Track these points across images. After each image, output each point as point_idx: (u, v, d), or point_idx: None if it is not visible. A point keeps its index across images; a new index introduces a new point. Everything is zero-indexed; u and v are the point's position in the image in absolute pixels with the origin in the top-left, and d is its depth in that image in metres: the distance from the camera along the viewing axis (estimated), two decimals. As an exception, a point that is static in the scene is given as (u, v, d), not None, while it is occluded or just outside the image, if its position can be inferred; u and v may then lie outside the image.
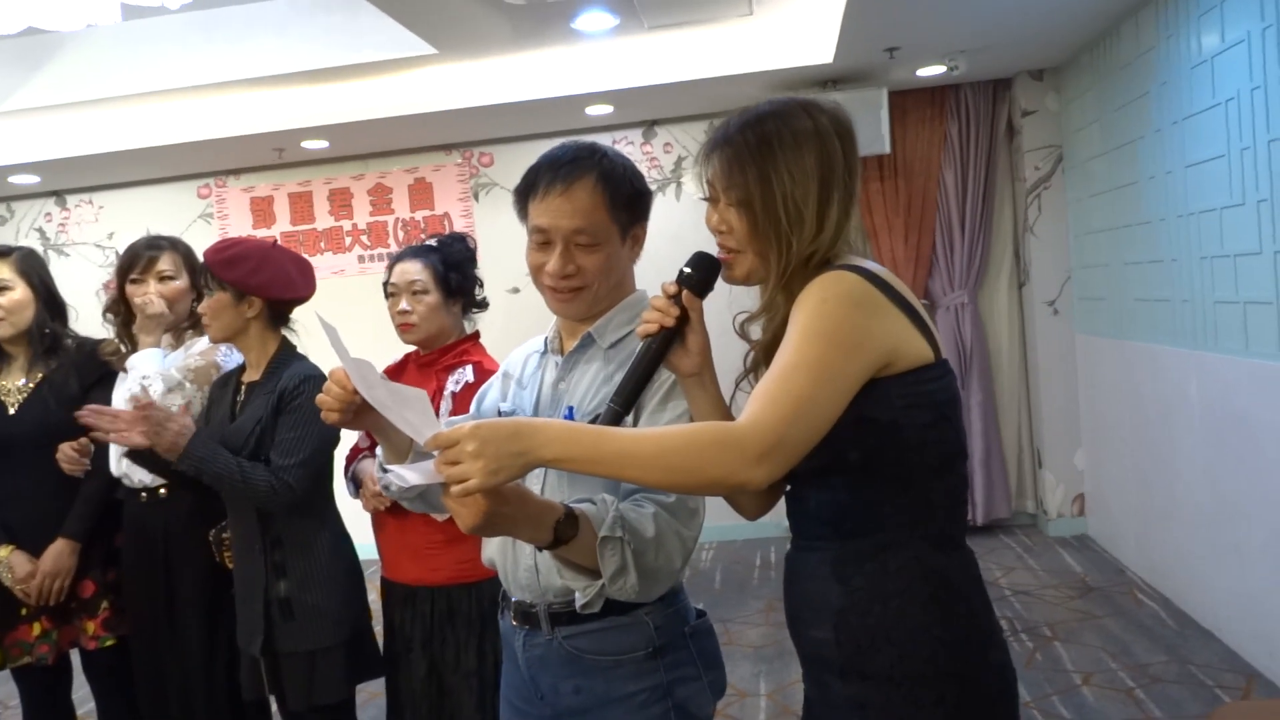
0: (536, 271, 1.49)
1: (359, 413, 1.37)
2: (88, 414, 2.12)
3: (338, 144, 5.30)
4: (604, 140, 5.69)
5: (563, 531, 1.25)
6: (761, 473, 1.11)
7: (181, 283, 2.51)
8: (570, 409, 1.47)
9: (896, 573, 1.23)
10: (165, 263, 2.50)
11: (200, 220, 5.79)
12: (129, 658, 2.51)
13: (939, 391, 1.23)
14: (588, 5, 3.92)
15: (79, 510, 2.48)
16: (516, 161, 5.35)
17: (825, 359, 1.15)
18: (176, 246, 2.57)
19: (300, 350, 2.37)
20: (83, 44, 4.54)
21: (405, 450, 1.47)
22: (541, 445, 1.10)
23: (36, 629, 2.48)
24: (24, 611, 2.47)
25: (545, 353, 1.60)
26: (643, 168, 5.39)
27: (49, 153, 4.99)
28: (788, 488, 1.35)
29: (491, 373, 1.94)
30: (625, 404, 1.28)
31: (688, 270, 1.31)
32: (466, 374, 2.26)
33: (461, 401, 2.18)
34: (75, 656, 2.61)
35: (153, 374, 2.37)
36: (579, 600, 1.33)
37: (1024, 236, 5.14)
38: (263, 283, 2.22)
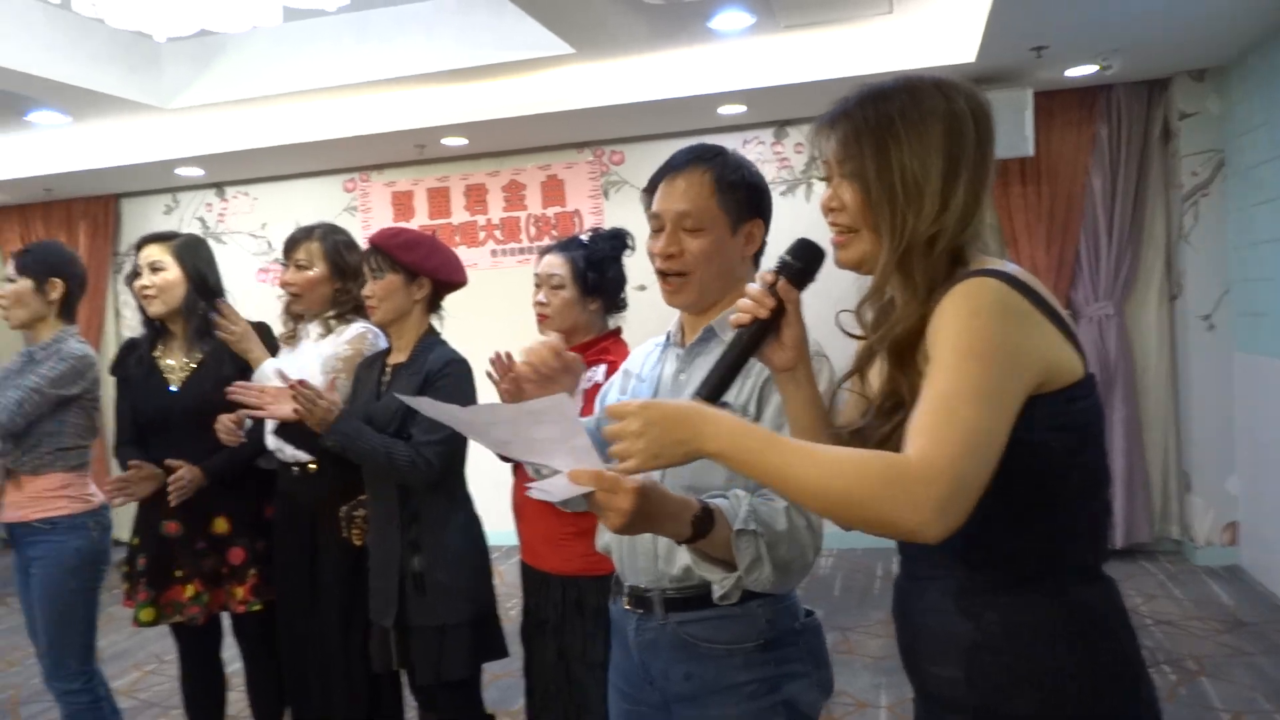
0: (651, 258, 1.55)
1: None
2: (237, 389, 2.26)
3: (476, 141, 5.45)
4: (734, 140, 5.69)
5: (700, 526, 1.27)
6: (940, 527, 0.99)
7: (315, 272, 2.63)
8: (694, 399, 1.47)
9: (1035, 607, 1.13)
10: (300, 252, 2.63)
11: (345, 213, 6.06)
12: (274, 623, 2.65)
13: (1086, 411, 1.13)
14: (725, 4, 3.91)
15: (223, 456, 2.62)
16: (647, 160, 5.40)
17: (988, 381, 1.03)
18: (315, 236, 2.66)
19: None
20: (245, 45, 4.81)
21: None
22: (709, 437, 1.08)
23: (189, 591, 2.64)
24: (178, 574, 2.64)
25: (666, 346, 1.64)
26: (773, 168, 5.42)
27: (212, 147, 5.32)
28: None
29: (623, 372, 1.97)
30: (711, 395, 1.21)
31: (788, 258, 1.25)
32: (598, 374, 2.28)
33: (586, 400, 2.21)
34: (226, 619, 2.77)
35: (312, 360, 2.49)
36: (716, 591, 1.35)
37: (1177, 246, 4.86)
38: (436, 265, 2.35)
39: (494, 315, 5.66)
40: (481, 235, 5.96)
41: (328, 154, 5.56)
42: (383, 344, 2.52)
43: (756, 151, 5.43)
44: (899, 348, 1.16)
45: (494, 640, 2.39)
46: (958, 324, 1.07)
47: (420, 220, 5.99)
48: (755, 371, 1.44)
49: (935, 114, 1.16)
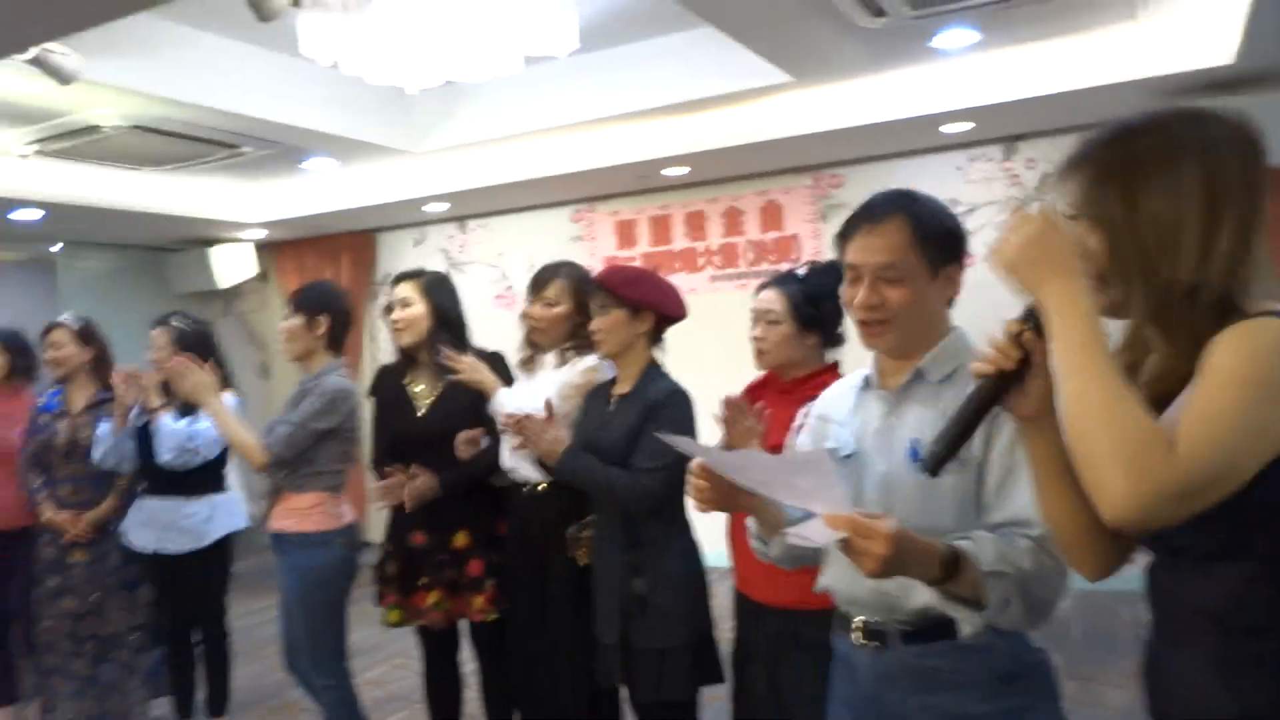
0: (848, 306, 1.56)
1: (729, 495, 1.50)
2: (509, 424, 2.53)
3: (697, 170, 5.60)
4: (960, 158, 5.44)
5: (949, 569, 1.32)
6: (1135, 513, 0.98)
7: (562, 309, 2.80)
8: (914, 441, 1.48)
9: None
10: (550, 290, 2.81)
11: (572, 242, 6.38)
12: (506, 632, 2.85)
13: None
14: (949, 23, 3.81)
15: (457, 470, 2.85)
16: (866, 183, 5.31)
17: (1249, 409, 0.99)
18: (563, 273, 2.83)
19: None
20: (486, 91, 5.18)
21: (777, 523, 1.58)
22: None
23: (431, 598, 2.88)
24: (423, 581, 2.89)
25: (864, 389, 1.64)
26: (1002, 185, 5.20)
27: (455, 185, 5.78)
28: (1151, 563, 1.19)
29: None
30: (949, 448, 1.19)
31: (1035, 309, 1.14)
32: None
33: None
34: (466, 625, 3.00)
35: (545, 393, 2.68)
36: (965, 630, 1.41)
37: None
38: (657, 300, 2.47)
39: (713, 339, 5.77)
40: (700, 261, 6.08)
41: (558, 187, 5.89)
42: (610, 374, 2.66)
43: (984, 170, 5.22)
44: (1156, 403, 1.08)
45: (711, 664, 2.45)
46: (1234, 356, 1.01)
47: (642, 248, 6.20)
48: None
49: (1189, 151, 1.08)
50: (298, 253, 7.32)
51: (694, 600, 2.42)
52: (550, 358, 2.83)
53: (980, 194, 5.22)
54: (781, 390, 2.38)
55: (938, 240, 1.53)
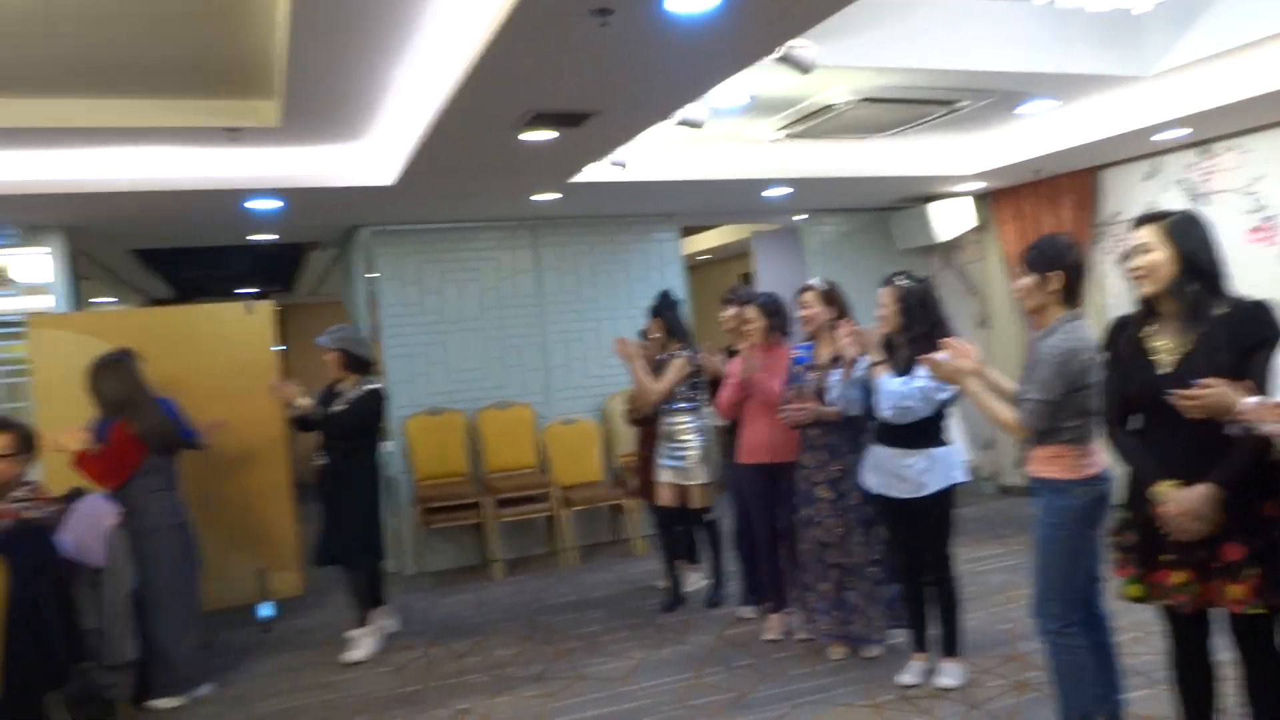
0: None
1: None
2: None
3: None
4: None
5: None
6: None
7: None
8: None
9: None
10: None
11: (1360, 154, 5.12)
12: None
13: None
14: None
15: (1228, 459, 2.49)
16: None
17: None
18: None
19: None
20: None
21: None
22: None
23: (1177, 578, 2.61)
24: (1166, 559, 2.63)
25: None
26: None
27: (1195, 106, 5.06)
28: None
29: None
30: None
31: None
32: None
33: None
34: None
35: None
36: None
37: None
38: None
39: None
40: None
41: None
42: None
43: None
44: None
45: None
46: None
47: None
48: None
49: None
50: (1016, 200, 7.19)
51: None
52: None
53: None
54: None
55: None
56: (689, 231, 10.27)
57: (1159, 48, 4.79)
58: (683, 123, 4.38)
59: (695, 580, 5.40)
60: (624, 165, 5.18)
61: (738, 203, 7.04)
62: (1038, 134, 5.99)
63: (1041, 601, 2.97)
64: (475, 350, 6.72)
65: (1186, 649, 2.77)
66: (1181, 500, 2.53)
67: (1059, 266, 2.93)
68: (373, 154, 4.99)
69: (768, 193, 6.56)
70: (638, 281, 7.01)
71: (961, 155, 6.48)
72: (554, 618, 5.19)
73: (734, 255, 10.22)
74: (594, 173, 5.42)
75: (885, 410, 3.63)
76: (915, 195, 7.30)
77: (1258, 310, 2.52)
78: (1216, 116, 5.23)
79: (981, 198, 7.40)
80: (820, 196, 7.06)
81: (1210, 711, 2.77)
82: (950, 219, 7.37)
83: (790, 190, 6.53)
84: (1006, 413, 3.00)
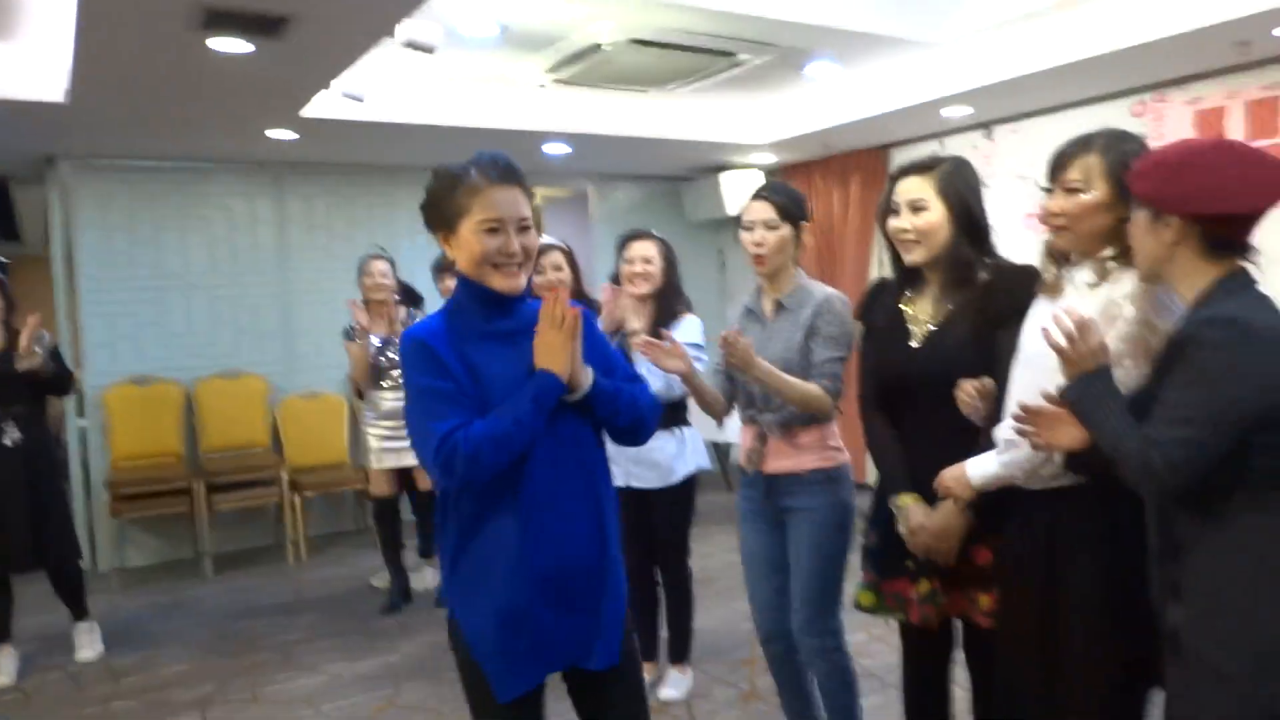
0: None
1: None
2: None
3: (1331, 23, 3.98)
4: None
5: None
6: None
7: (1091, 196, 1.87)
8: None
9: None
10: (1073, 171, 1.91)
11: (1132, 142, 5.05)
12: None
13: None
14: None
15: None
16: None
17: None
18: (1095, 148, 1.89)
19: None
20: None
21: None
22: None
23: (922, 587, 2.21)
24: (910, 565, 2.23)
25: None
26: None
27: (979, 80, 4.84)
28: None
29: None
30: None
31: None
32: None
33: None
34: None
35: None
36: None
37: None
38: (1177, 194, 1.59)
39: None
40: (1327, 155, 4.41)
41: (1112, 71, 4.63)
42: (1173, 303, 1.73)
43: None
44: None
45: None
46: None
47: (1234, 142, 4.69)
48: None
49: None
50: (807, 175, 6.95)
51: (1265, 659, 1.49)
52: (1083, 274, 1.93)
53: None
54: None
55: None
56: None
57: (946, 11, 4.51)
58: (411, 45, 3.71)
59: (431, 576, 4.75)
60: (361, 99, 4.44)
61: (513, 159, 6.40)
62: (826, 103, 5.68)
63: (817, 617, 2.53)
64: (200, 311, 5.79)
65: (924, 668, 2.38)
66: (926, 520, 2.15)
67: (806, 218, 2.54)
68: (30, 57, 4.03)
69: (547, 148, 5.95)
70: (404, 240, 6.26)
71: (751, 122, 6.12)
72: (254, 623, 4.41)
73: (528, 224, 9.63)
74: (333, 108, 4.66)
75: (656, 385, 3.05)
76: (707, 165, 6.91)
77: (1021, 276, 2.13)
78: (998, 93, 5.02)
79: (774, 172, 7.11)
80: (606, 159, 6.53)
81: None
82: (741, 191, 7.03)
83: (570, 150, 5.96)
84: (810, 386, 2.46)
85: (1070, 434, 1.67)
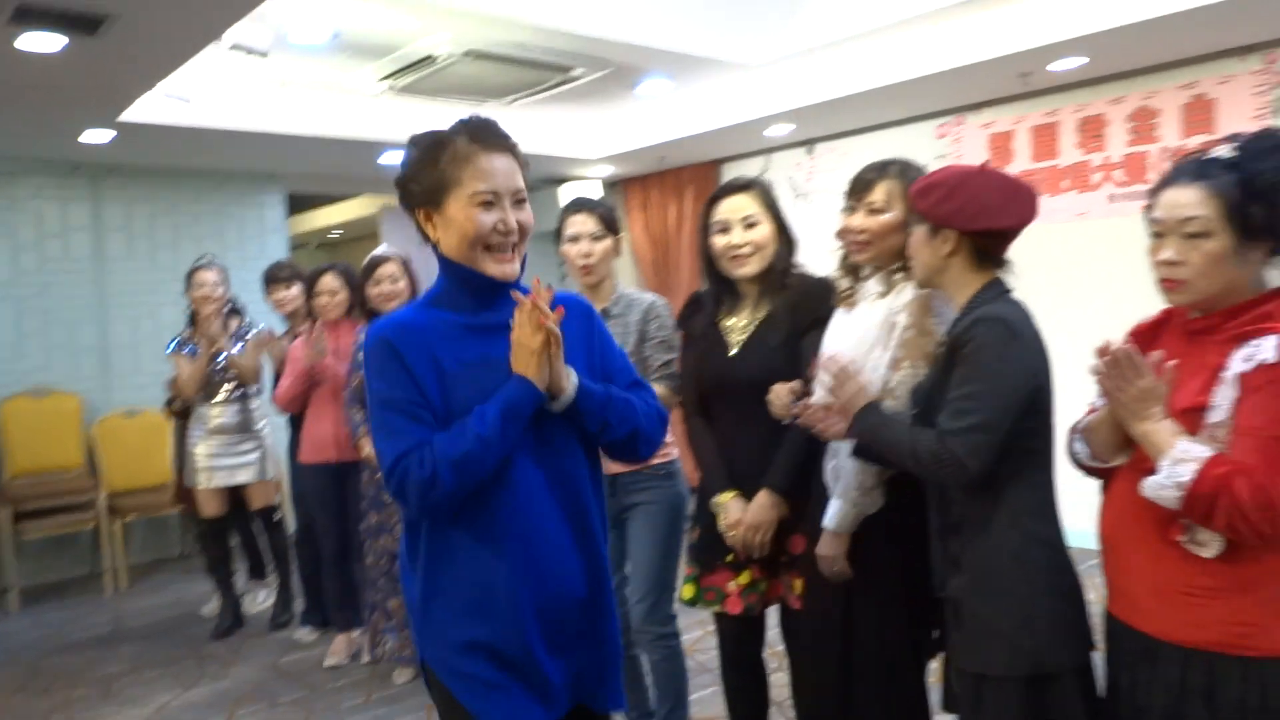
0: None
1: None
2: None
3: (1098, 60, 4.47)
4: None
5: None
6: None
7: (890, 216, 2.11)
8: None
9: None
10: (876, 193, 2.13)
11: (935, 162, 5.38)
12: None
13: None
14: None
15: (783, 455, 2.30)
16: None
17: None
18: (891, 173, 2.14)
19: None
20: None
21: None
22: None
23: (743, 578, 2.38)
24: (729, 559, 2.39)
25: None
26: None
27: (798, 100, 5.15)
28: None
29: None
30: None
31: None
32: (1265, 349, 1.47)
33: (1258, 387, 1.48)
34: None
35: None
36: None
37: None
38: (951, 212, 1.80)
39: (1110, 272, 4.68)
40: (1096, 177, 4.93)
41: (918, 95, 5.04)
42: (947, 310, 1.96)
43: None
44: None
45: (1065, 711, 1.71)
46: None
47: (1021, 165, 5.17)
48: None
49: None
50: (644, 188, 7.15)
51: (1029, 618, 1.72)
52: (874, 285, 2.15)
53: None
54: (1193, 332, 1.61)
55: None
56: (319, 203, 9.36)
57: (769, 35, 4.78)
58: (239, 48, 3.64)
59: (263, 598, 4.62)
60: (187, 100, 4.31)
61: (351, 169, 6.31)
62: (660, 119, 5.88)
63: (654, 605, 2.65)
64: (3, 324, 5.40)
65: (740, 652, 2.57)
66: (742, 514, 2.32)
67: (620, 230, 2.74)
68: None
69: (383, 159, 5.90)
70: (232, 251, 6.05)
71: (588, 135, 6.26)
72: (70, 658, 4.16)
73: (369, 234, 9.44)
74: (156, 111, 4.49)
75: None
76: (545, 177, 6.99)
77: (819, 288, 2.34)
78: (817, 113, 5.37)
79: (613, 185, 7.28)
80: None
81: (763, 712, 2.58)
82: (579, 204, 7.17)
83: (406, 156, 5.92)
84: (656, 387, 2.57)
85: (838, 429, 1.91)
